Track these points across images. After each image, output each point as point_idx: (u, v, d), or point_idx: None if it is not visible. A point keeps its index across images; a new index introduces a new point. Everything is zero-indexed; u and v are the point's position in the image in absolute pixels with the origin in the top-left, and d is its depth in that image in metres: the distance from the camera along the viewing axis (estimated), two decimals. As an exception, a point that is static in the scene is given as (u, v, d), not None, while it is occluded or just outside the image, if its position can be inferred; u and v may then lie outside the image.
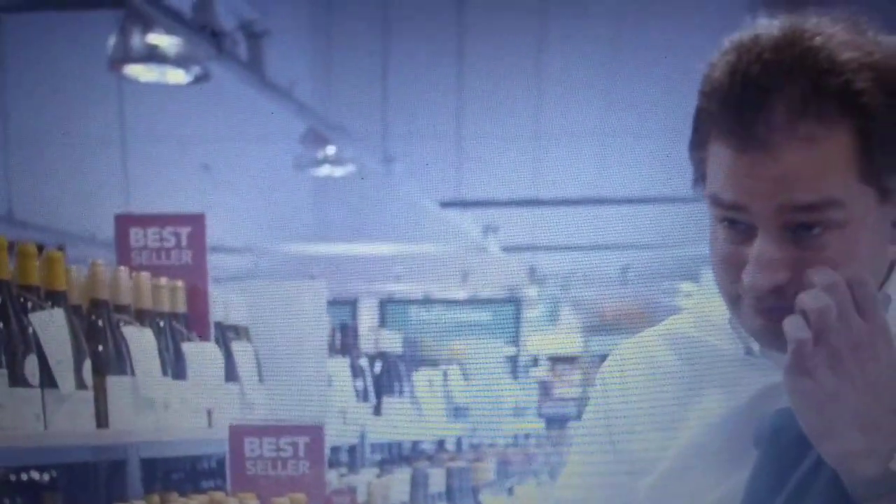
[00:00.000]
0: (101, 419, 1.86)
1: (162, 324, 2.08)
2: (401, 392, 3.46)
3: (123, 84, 5.95)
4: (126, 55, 4.07)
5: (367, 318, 6.56)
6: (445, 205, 7.17)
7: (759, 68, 0.93)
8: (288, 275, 7.32)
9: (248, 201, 7.39)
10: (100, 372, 1.86)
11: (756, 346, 1.03)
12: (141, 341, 1.97)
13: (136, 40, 4.02)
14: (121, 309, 1.96)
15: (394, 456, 3.49)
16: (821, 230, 0.94)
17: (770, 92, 0.93)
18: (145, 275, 2.06)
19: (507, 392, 4.93)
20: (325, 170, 6.40)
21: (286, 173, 6.69)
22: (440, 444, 3.95)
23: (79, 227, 5.53)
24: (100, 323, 1.90)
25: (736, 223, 0.97)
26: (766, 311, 0.96)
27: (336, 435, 2.75)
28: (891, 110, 0.94)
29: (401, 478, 2.90)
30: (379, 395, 3.30)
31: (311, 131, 6.16)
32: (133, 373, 1.93)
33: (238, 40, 4.41)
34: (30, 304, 1.73)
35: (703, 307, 1.10)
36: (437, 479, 3.17)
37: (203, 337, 2.20)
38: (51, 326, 1.74)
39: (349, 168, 6.48)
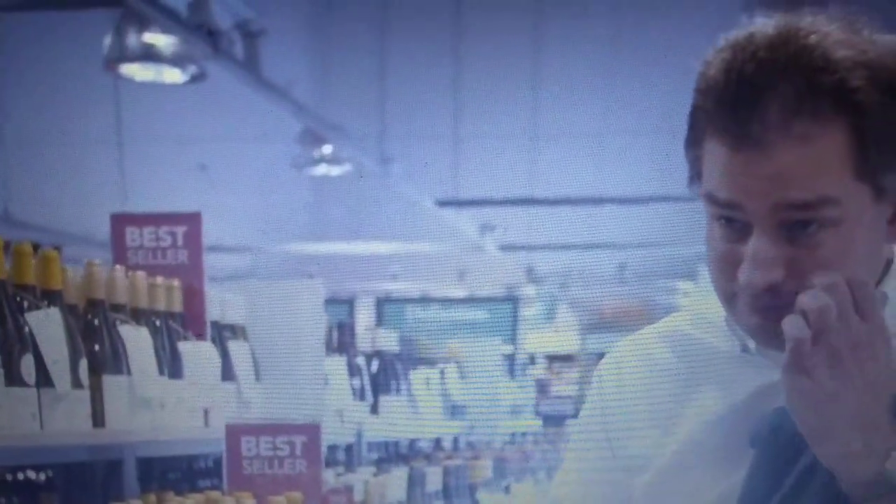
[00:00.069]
0: (98, 418, 1.85)
1: (158, 323, 2.08)
2: (398, 391, 3.46)
3: (120, 84, 5.94)
4: (122, 54, 4.06)
5: (364, 316, 6.56)
6: (442, 204, 7.18)
7: (753, 66, 0.93)
8: (285, 274, 7.32)
9: (244, 201, 7.39)
10: (96, 371, 1.86)
11: (752, 344, 1.03)
12: (137, 340, 1.97)
13: (132, 39, 4.02)
14: (117, 308, 1.96)
15: (391, 455, 3.49)
16: (816, 228, 0.94)
17: (765, 90, 0.93)
18: (141, 274, 2.05)
19: (505, 391, 4.93)
20: (321, 169, 6.40)
21: (283, 173, 6.68)
22: (437, 442, 3.95)
23: (75, 227, 5.52)
24: (96, 322, 1.90)
25: (732, 221, 0.97)
26: (762, 309, 0.96)
27: (333, 434, 2.75)
28: (885, 108, 0.94)
29: (398, 476, 2.90)
30: (376, 394, 3.30)
31: (307, 131, 6.16)
32: (129, 372, 1.93)
33: (234, 39, 4.40)
34: (26, 304, 1.73)
35: (699, 305, 1.10)
36: (434, 478, 3.17)
37: (199, 336, 2.19)
38: (47, 326, 1.74)
39: (346, 167, 6.48)
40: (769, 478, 0.97)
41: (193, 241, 2.19)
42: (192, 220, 2.20)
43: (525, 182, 7.74)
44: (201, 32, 4.01)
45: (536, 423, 5.26)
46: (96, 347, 1.87)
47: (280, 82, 5.15)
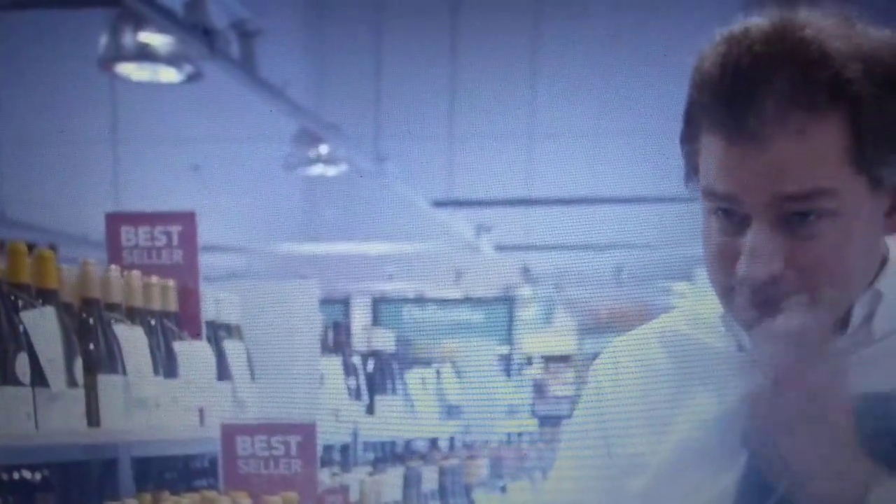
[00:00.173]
0: (93, 418, 1.85)
1: (153, 322, 2.07)
2: (394, 391, 3.46)
3: (116, 84, 5.93)
4: (118, 54, 4.06)
5: (360, 317, 6.55)
6: (438, 204, 7.17)
7: (749, 60, 0.93)
8: (280, 274, 7.31)
9: (240, 201, 7.38)
10: (91, 370, 1.85)
11: (748, 342, 1.03)
12: (132, 340, 1.97)
13: (128, 39, 4.01)
14: (112, 307, 1.96)
15: (386, 454, 3.48)
16: (814, 220, 0.95)
17: (761, 83, 0.93)
18: (136, 273, 2.05)
19: (501, 391, 4.93)
20: (317, 169, 6.40)
21: (279, 173, 6.68)
22: (433, 442, 3.95)
23: (70, 227, 5.51)
24: (91, 321, 1.89)
25: (730, 214, 0.97)
26: (760, 303, 0.96)
27: (328, 434, 2.75)
28: (881, 100, 0.95)
29: (393, 476, 2.89)
30: (372, 394, 3.30)
31: (303, 131, 6.15)
32: (124, 371, 1.93)
33: (230, 39, 4.40)
34: (21, 303, 1.72)
35: (695, 305, 1.10)
36: (429, 478, 3.17)
37: (194, 336, 2.19)
38: (42, 325, 1.73)
39: (342, 167, 6.47)
40: (762, 481, 0.96)
41: (188, 240, 2.19)
42: (187, 220, 2.20)
43: (521, 182, 7.75)
44: (197, 32, 4.00)
45: (532, 424, 5.26)
46: (91, 347, 1.87)
47: (276, 82, 5.15)
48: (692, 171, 1.00)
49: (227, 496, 2.00)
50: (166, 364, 2.08)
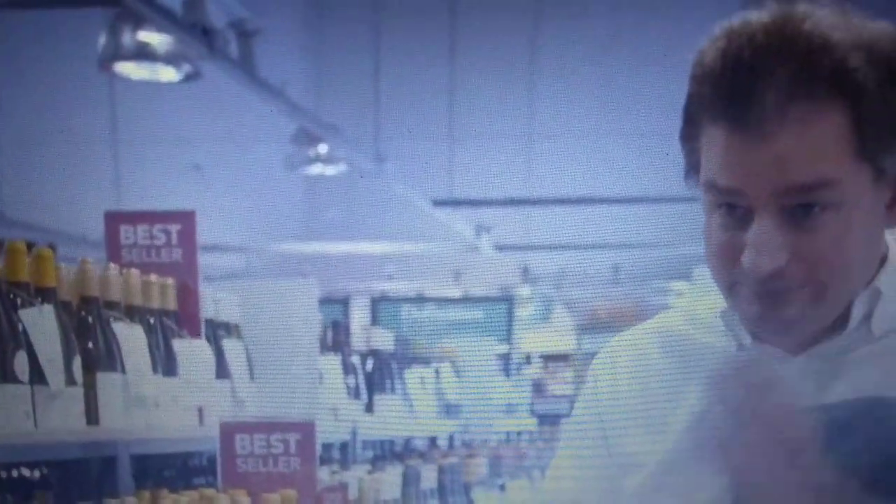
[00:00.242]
0: (92, 416, 1.85)
1: (152, 321, 2.07)
2: (393, 390, 3.46)
3: (115, 83, 5.93)
4: (116, 53, 4.06)
5: (359, 316, 6.55)
6: (438, 203, 7.17)
7: (751, 51, 0.93)
8: (279, 273, 7.32)
9: (239, 200, 7.38)
10: (90, 369, 1.85)
11: (748, 341, 1.03)
12: (131, 338, 1.97)
13: (126, 38, 4.01)
14: (111, 306, 1.96)
15: (385, 453, 3.48)
16: (818, 211, 0.94)
17: (763, 73, 0.93)
18: (135, 272, 2.05)
19: (500, 390, 4.92)
20: (316, 168, 6.39)
21: (278, 172, 6.68)
22: (432, 441, 3.95)
23: (69, 227, 5.51)
24: (90, 320, 1.89)
25: (733, 208, 0.96)
26: (765, 297, 0.96)
27: (327, 432, 2.75)
28: (883, 89, 0.95)
29: (392, 475, 2.89)
30: (371, 393, 3.30)
31: (302, 130, 6.15)
32: (123, 370, 1.93)
33: (229, 39, 4.40)
34: (19, 301, 1.72)
35: (693, 304, 1.10)
36: (428, 476, 3.17)
37: (194, 334, 2.19)
38: (40, 323, 1.73)
39: (341, 167, 6.47)
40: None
41: (187, 239, 2.19)
42: (186, 219, 2.20)
43: (521, 182, 7.75)
44: (196, 31, 4.00)
45: (532, 423, 5.26)
46: (90, 345, 1.87)
47: (275, 82, 5.15)
48: (692, 168, 1.00)
49: (225, 494, 2.00)
50: (165, 362, 2.08)
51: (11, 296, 1.72)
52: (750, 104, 0.93)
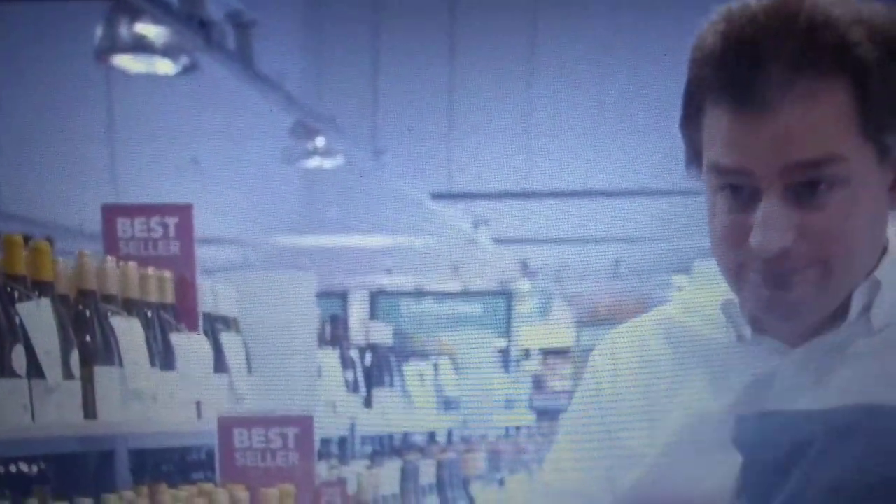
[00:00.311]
0: (89, 410, 1.84)
1: (150, 314, 2.06)
2: (391, 384, 3.45)
3: (112, 77, 5.91)
4: (113, 45, 4.04)
5: (357, 310, 6.54)
6: (436, 197, 7.16)
7: (752, 30, 0.94)
8: (277, 267, 7.30)
9: (237, 193, 7.37)
10: (87, 362, 1.84)
11: (748, 333, 1.03)
12: (129, 332, 1.96)
13: (123, 30, 4.00)
14: (108, 299, 1.95)
15: (384, 448, 3.48)
16: (825, 189, 0.95)
17: (765, 50, 0.93)
18: (133, 265, 2.04)
19: (498, 384, 4.92)
20: (314, 161, 6.38)
21: (275, 165, 6.66)
22: (431, 436, 3.94)
23: (67, 220, 5.50)
24: (87, 313, 1.88)
25: (737, 190, 0.96)
26: (771, 278, 0.96)
27: (326, 427, 2.74)
28: (884, 65, 0.95)
29: (391, 470, 2.89)
30: (369, 387, 3.30)
31: (300, 123, 6.14)
32: (121, 364, 1.92)
33: (226, 31, 4.38)
34: (17, 295, 1.72)
35: (693, 296, 1.09)
36: (427, 472, 3.17)
37: (191, 328, 2.18)
38: (38, 317, 1.72)
39: (339, 160, 6.46)
40: (761, 489, 0.96)
41: (185, 232, 2.18)
42: (184, 212, 2.19)
43: (519, 176, 7.74)
44: (193, 23, 3.99)
45: (530, 418, 5.26)
46: (88, 339, 1.86)
47: (272, 74, 5.13)
48: (693, 156, 1.00)
49: (224, 489, 2.00)
50: (163, 356, 2.07)
51: (8, 289, 1.71)
52: (753, 82, 0.93)
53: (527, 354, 6.94)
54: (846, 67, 0.94)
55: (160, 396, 2.03)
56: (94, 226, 2.26)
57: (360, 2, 7.58)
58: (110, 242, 2.18)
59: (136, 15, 3.97)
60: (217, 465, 2.13)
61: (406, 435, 3.74)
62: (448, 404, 4.03)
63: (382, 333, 3.49)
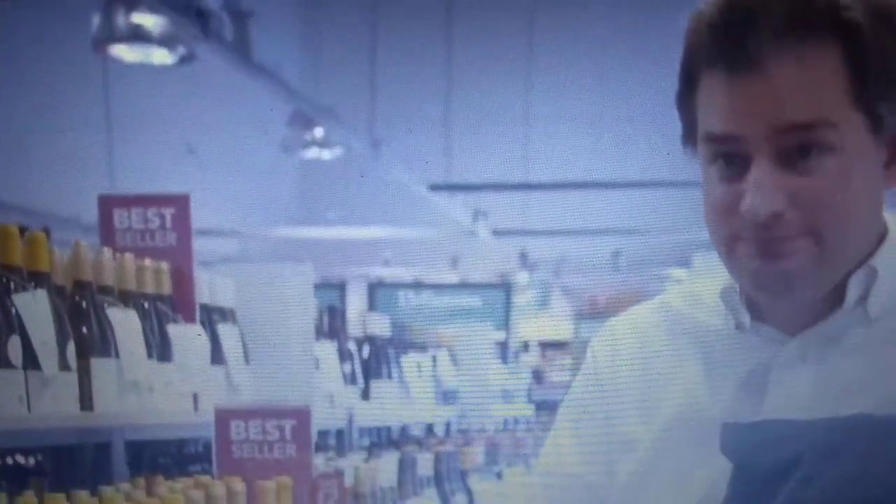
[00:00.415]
0: (86, 402, 1.83)
1: (147, 305, 2.05)
2: (389, 376, 3.45)
3: (109, 66, 5.89)
4: (110, 35, 4.03)
5: (355, 301, 6.54)
6: (434, 188, 7.15)
7: None
8: (275, 258, 7.30)
9: (235, 184, 7.36)
10: (84, 354, 1.83)
11: (747, 321, 1.03)
12: (125, 323, 1.95)
13: (120, 20, 3.98)
14: (105, 290, 1.94)
15: (382, 440, 3.48)
16: (816, 154, 0.95)
17: (759, 14, 0.94)
18: (129, 256, 2.03)
19: (497, 377, 4.92)
20: (312, 152, 6.37)
21: (273, 155, 6.65)
22: (429, 428, 3.94)
23: (63, 211, 5.49)
24: (84, 304, 1.87)
25: (730, 158, 0.97)
26: (764, 246, 0.96)
27: (323, 419, 2.74)
28: (875, 31, 0.95)
29: (389, 462, 2.88)
30: (367, 380, 3.29)
31: (298, 113, 6.13)
32: (118, 355, 1.91)
33: (224, 20, 4.37)
34: (12, 285, 1.70)
35: (693, 285, 1.09)
36: (425, 464, 3.16)
37: (188, 319, 2.17)
38: (34, 308, 1.71)
39: (337, 151, 6.45)
40: (750, 500, 0.95)
41: (182, 222, 2.17)
42: (181, 202, 2.18)
43: (519, 167, 7.73)
44: (190, 13, 3.97)
45: (529, 410, 5.26)
46: (84, 330, 1.85)
47: (270, 65, 5.12)
48: (689, 131, 1.00)
49: (220, 481, 1.99)
50: (160, 348, 2.06)
51: (4, 280, 1.70)
52: (746, 46, 0.94)
53: (525, 346, 6.94)
54: (837, 31, 0.94)
55: (157, 388, 2.02)
56: (91, 216, 2.25)
57: (358, -8, 7.55)
58: (107, 233, 2.17)
59: (132, 4, 3.95)
60: (214, 457, 2.12)
61: (404, 427, 3.74)
62: (446, 396, 4.02)
63: (380, 325, 3.49)
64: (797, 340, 1.00)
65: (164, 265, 2.11)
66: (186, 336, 2.14)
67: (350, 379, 3.17)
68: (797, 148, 0.95)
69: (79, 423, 1.85)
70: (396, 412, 3.53)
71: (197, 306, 2.21)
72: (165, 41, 4.05)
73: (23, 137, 6.17)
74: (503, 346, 6.01)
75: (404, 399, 3.59)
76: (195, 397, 2.16)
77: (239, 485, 2.00)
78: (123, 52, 4.14)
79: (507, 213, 7.50)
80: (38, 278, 1.75)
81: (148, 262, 2.08)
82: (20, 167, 6.12)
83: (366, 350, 3.36)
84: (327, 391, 2.91)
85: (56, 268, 1.82)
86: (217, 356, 2.27)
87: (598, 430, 1.07)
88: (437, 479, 3.23)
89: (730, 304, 1.03)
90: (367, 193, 7.55)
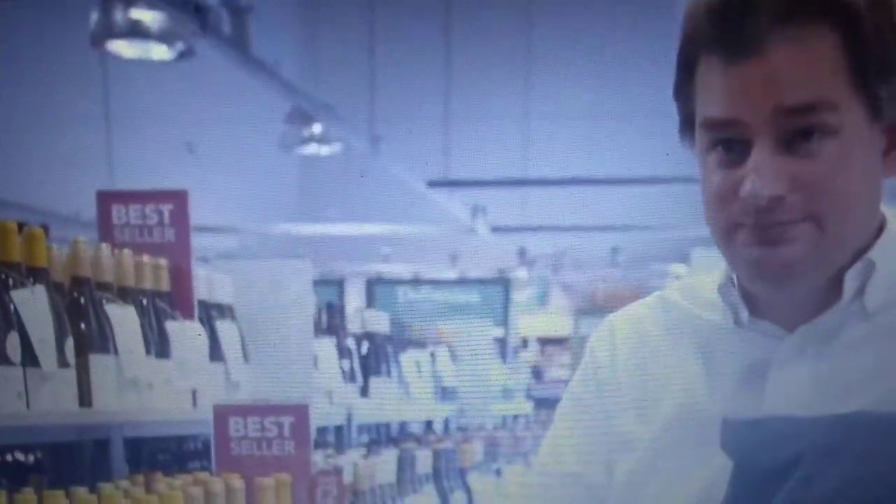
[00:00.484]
0: (85, 398, 1.83)
1: (145, 302, 2.05)
2: (388, 373, 3.45)
3: (107, 63, 5.88)
4: (109, 31, 4.02)
5: (354, 298, 6.54)
6: (433, 184, 7.15)
7: None
8: (274, 254, 7.30)
9: (233, 180, 7.35)
10: (82, 350, 1.83)
11: (745, 316, 1.02)
12: (124, 319, 1.95)
13: (118, 15, 3.97)
14: (103, 287, 1.94)
15: (381, 437, 3.48)
16: (816, 138, 0.94)
17: None
18: (128, 252, 2.03)
19: (496, 373, 4.92)
20: (311, 148, 6.36)
21: (272, 152, 6.64)
22: (428, 425, 3.94)
23: (62, 208, 5.48)
24: (82, 301, 1.87)
25: (730, 145, 0.96)
26: (763, 232, 0.95)
27: (322, 415, 2.74)
28: (874, 12, 0.95)
29: (387, 459, 2.88)
30: (366, 376, 3.29)
31: (297, 109, 6.12)
32: (116, 352, 1.91)
33: (222, 16, 4.36)
34: (11, 282, 1.70)
35: (692, 282, 1.09)
36: (424, 461, 3.16)
37: (187, 316, 2.17)
38: (32, 304, 1.71)
39: (335, 147, 6.44)
40: (751, 499, 0.95)
41: (180, 219, 2.16)
42: (179, 199, 2.18)
43: (518, 163, 7.72)
44: (188, 8, 3.96)
45: (528, 407, 5.26)
46: (83, 326, 1.85)
47: (269, 60, 5.11)
48: (686, 121, 1.00)
49: (219, 478, 1.99)
50: (159, 344, 2.06)
51: (3, 276, 1.69)
52: (744, 29, 0.94)
53: (524, 343, 6.94)
54: (836, 16, 0.94)
55: (156, 385, 2.02)
56: (90, 213, 2.25)
57: (357, -12, 7.54)
58: (105, 229, 2.17)
59: (131, 0, 3.94)
60: (213, 453, 2.12)
61: (403, 424, 3.74)
62: (445, 393, 4.02)
63: (379, 322, 3.48)
64: (795, 336, 1.00)
65: (163, 261, 2.11)
66: (185, 333, 2.14)
67: (349, 376, 3.17)
68: (798, 131, 0.94)
69: (78, 420, 1.84)
70: (395, 409, 3.53)
71: (195, 303, 2.21)
72: (164, 37, 4.04)
73: (22, 134, 6.16)
74: (502, 343, 6.00)
75: (403, 396, 3.59)
76: (194, 394, 2.16)
77: (238, 481, 1.99)
78: (122, 47, 4.13)
79: (506, 209, 7.49)
80: (36, 275, 1.75)
81: (146, 258, 2.07)
82: (19, 164, 6.11)
83: (365, 347, 3.35)
84: (326, 388, 2.91)
85: (54, 264, 1.82)
86: (216, 353, 2.27)
87: (597, 428, 1.07)
88: (436, 477, 3.22)
89: (728, 298, 1.03)
90: (367, 190, 7.55)
